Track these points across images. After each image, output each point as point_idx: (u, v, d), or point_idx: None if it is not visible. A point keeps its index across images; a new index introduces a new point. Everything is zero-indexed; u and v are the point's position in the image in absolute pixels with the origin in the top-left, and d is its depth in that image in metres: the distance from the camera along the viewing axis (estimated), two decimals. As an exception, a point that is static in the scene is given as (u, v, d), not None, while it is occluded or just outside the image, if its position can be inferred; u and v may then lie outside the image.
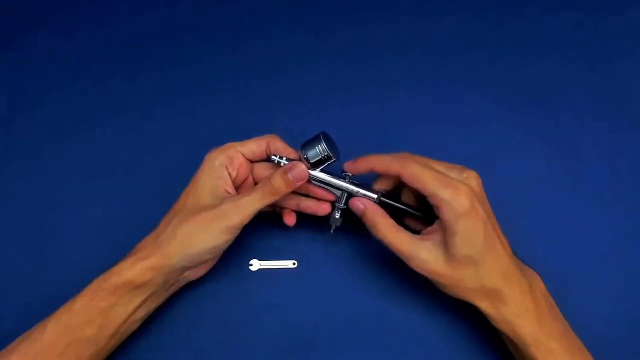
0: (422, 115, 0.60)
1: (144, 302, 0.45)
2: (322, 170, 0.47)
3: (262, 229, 0.54)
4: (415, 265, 0.44)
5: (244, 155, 0.48)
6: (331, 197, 0.49)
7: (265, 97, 0.61)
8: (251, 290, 0.52)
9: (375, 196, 0.47)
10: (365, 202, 0.46)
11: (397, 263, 0.52)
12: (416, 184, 0.43)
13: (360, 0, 0.67)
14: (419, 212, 0.48)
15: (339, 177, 0.48)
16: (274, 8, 0.67)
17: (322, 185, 0.48)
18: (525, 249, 0.52)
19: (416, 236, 0.45)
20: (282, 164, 0.47)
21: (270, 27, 0.65)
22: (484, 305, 0.44)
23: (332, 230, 0.50)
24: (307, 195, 0.50)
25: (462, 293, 0.44)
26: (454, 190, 0.42)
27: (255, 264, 0.53)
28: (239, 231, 0.46)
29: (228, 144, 0.48)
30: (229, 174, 0.48)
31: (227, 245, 0.46)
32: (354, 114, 0.60)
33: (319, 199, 0.50)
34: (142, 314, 0.46)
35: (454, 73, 0.62)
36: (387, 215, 0.46)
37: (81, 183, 0.57)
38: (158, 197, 0.53)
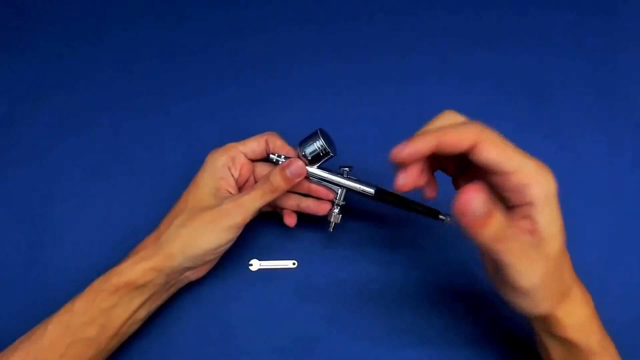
0: (421, 113, 0.59)
1: (145, 302, 0.45)
2: (320, 167, 0.48)
3: (262, 229, 0.54)
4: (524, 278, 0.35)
5: (245, 155, 0.49)
6: (331, 196, 0.49)
7: (264, 95, 0.61)
8: (251, 290, 0.53)
9: (372, 190, 0.47)
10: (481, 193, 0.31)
11: (398, 263, 0.53)
12: (500, 156, 0.34)
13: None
14: (416, 206, 0.48)
15: (337, 173, 0.48)
16: (272, 5, 0.67)
17: (320, 181, 0.48)
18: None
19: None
20: (280, 162, 0.47)
21: (268, 25, 0.65)
22: (561, 312, 0.37)
23: (331, 228, 0.50)
24: (308, 195, 0.50)
25: (548, 300, 0.36)
26: (542, 166, 0.35)
27: (255, 264, 0.53)
28: (240, 230, 0.46)
29: (229, 145, 0.48)
30: (232, 174, 0.48)
31: (229, 244, 0.46)
32: (352, 111, 0.60)
33: (319, 199, 0.50)
34: (143, 314, 0.46)
35: (452, 71, 0.62)
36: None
37: (81, 183, 0.57)
38: (158, 197, 0.54)
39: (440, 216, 0.47)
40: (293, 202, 0.50)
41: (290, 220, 0.51)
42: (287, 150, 0.49)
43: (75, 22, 0.65)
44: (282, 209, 0.51)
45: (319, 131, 0.46)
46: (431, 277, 0.52)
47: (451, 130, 0.35)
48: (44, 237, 0.55)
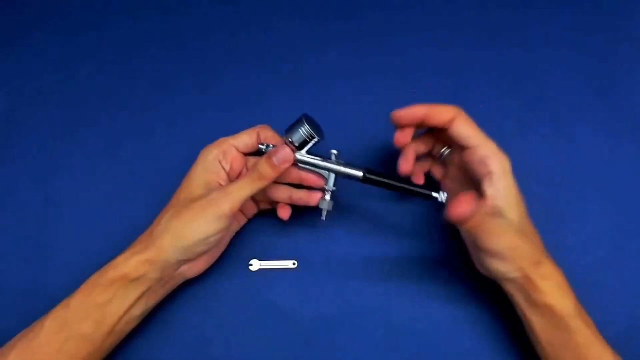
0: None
1: (140, 297, 0.44)
2: (308, 152, 0.47)
3: (262, 229, 0.54)
4: (495, 240, 0.43)
5: (237, 148, 0.49)
6: (322, 183, 0.48)
7: (265, 91, 0.61)
8: (251, 290, 0.52)
9: (360, 174, 0.47)
10: (471, 201, 0.43)
11: (398, 263, 0.53)
12: (470, 130, 0.44)
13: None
14: (406, 185, 0.47)
15: (324, 158, 0.48)
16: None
17: (308, 167, 0.48)
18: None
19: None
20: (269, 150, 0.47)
21: (259, 19, 0.65)
22: (535, 275, 0.43)
23: (323, 217, 0.49)
24: (300, 187, 0.50)
25: (523, 265, 0.43)
26: (499, 147, 0.44)
27: (255, 264, 0.53)
28: (229, 220, 0.45)
29: (221, 139, 0.49)
30: (223, 167, 0.48)
31: (218, 234, 0.46)
32: (344, 102, 0.60)
33: (310, 189, 0.50)
34: (139, 311, 0.45)
35: (451, 68, 0.62)
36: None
37: (81, 183, 0.57)
38: (157, 195, 0.53)
39: (434, 194, 0.46)
40: (285, 194, 0.50)
41: (284, 212, 0.51)
42: (277, 139, 0.49)
43: (74, 22, 0.66)
44: (276, 202, 0.51)
45: (303, 116, 0.46)
46: (432, 276, 0.52)
47: (437, 105, 0.45)
48: (44, 237, 0.55)
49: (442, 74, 0.61)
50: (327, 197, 0.48)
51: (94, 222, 0.55)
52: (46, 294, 0.50)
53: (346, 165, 0.48)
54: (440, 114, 0.45)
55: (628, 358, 0.43)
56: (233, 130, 0.50)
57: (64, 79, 0.62)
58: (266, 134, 0.50)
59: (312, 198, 0.49)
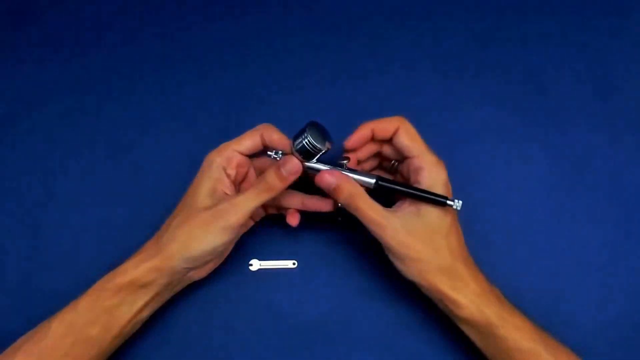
0: (421, 110, 0.59)
1: (148, 302, 0.45)
2: (318, 160, 0.46)
3: (262, 229, 0.54)
4: (388, 235, 0.44)
5: (241, 153, 0.48)
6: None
7: (260, 87, 0.61)
8: (251, 290, 0.53)
9: (373, 181, 0.46)
10: (337, 174, 0.45)
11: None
12: (410, 141, 0.46)
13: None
14: (419, 192, 0.45)
15: (335, 165, 0.47)
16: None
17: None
18: (523, 250, 0.54)
19: (388, 208, 0.45)
20: (278, 159, 0.46)
21: (258, 19, 0.65)
22: (446, 286, 0.43)
23: (339, 218, 0.49)
24: (312, 192, 0.49)
25: (426, 272, 0.44)
26: (439, 161, 0.46)
27: (255, 264, 0.54)
28: (237, 231, 0.45)
29: (223, 145, 0.48)
30: (228, 174, 0.47)
31: (226, 245, 0.47)
32: (349, 99, 0.60)
33: (321, 197, 0.50)
34: (146, 313, 0.46)
35: (453, 69, 0.62)
36: (361, 187, 0.45)
37: (81, 183, 0.57)
38: (158, 197, 0.54)
39: (449, 202, 0.44)
40: (297, 200, 0.50)
41: (293, 220, 0.50)
42: (284, 143, 0.47)
43: (74, 23, 0.65)
44: (286, 208, 0.51)
45: (307, 127, 0.44)
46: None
47: (381, 120, 0.47)
48: (44, 237, 0.55)
49: (441, 74, 0.61)
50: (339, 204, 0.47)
51: (94, 224, 0.55)
52: (47, 296, 0.51)
53: (357, 172, 0.47)
54: (384, 128, 0.47)
55: (629, 357, 0.44)
56: (235, 128, 0.50)
57: (64, 80, 0.62)
58: (271, 136, 0.47)
59: (324, 204, 0.49)
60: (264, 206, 0.52)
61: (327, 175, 0.45)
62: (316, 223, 0.54)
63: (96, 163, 0.58)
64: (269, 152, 0.47)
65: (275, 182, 0.45)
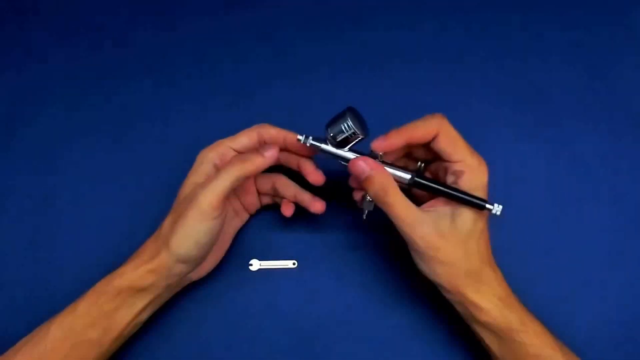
0: (421, 114, 0.59)
1: (148, 304, 0.45)
2: (351, 150, 0.44)
3: (262, 229, 0.54)
4: (417, 235, 0.41)
5: (236, 150, 0.47)
6: (320, 180, 0.47)
7: (262, 86, 0.61)
8: (251, 290, 0.53)
9: (408, 177, 0.44)
10: (371, 162, 0.43)
11: (398, 263, 0.53)
12: (451, 147, 0.42)
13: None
14: (458, 193, 0.43)
15: (369, 155, 0.44)
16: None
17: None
18: (524, 251, 0.54)
19: (420, 207, 0.43)
20: (308, 144, 0.45)
21: (257, 17, 0.65)
22: (470, 290, 0.42)
23: (364, 216, 0.47)
24: (306, 188, 0.49)
25: (453, 276, 0.42)
26: (482, 163, 0.43)
27: (255, 264, 0.54)
28: (217, 217, 0.43)
29: (218, 141, 0.47)
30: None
31: (212, 236, 0.44)
32: (349, 96, 0.60)
33: (314, 196, 0.49)
34: (145, 315, 0.46)
35: (453, 75, 0.62)
36: (394, 181, 0.43)
37: (81, 183, 0.57)
38: (158, 198, 0.54)
39: (488, 206, 0.42)
40: (291, 192, 0.49)
41: (288, 210, 0.49)
42: (284, 135, 0.47)
43: (74, 23, 0.65)
44: (281, 198, 0.50)
45: (347, 110, 0.43)
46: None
47: (419, 126, 0.43)
48: (44, 237, 0.55)
49: (440, 73, 0.61)
50: (369, 197, 0.44)
51: (94, 224, 0.55)
52: (47, 296, 0.51)
53: (392, 166, 0.44)
54: (422, 136, 0.43)
55: (629, 358, 0.44)
56: (233, 126, 0.49)
57: (64, 80, 0.62)
58: (269, 132, 0.47)
59: (312, 204, 0.48)
60: (259, 196, 0.52)
61: (361, 162, 0.43)
62: (316, 223, 0.54)
63: (96, 163, 0.58)
64: (299, 137, 0.45)
65: (248, 162, 0.43)
